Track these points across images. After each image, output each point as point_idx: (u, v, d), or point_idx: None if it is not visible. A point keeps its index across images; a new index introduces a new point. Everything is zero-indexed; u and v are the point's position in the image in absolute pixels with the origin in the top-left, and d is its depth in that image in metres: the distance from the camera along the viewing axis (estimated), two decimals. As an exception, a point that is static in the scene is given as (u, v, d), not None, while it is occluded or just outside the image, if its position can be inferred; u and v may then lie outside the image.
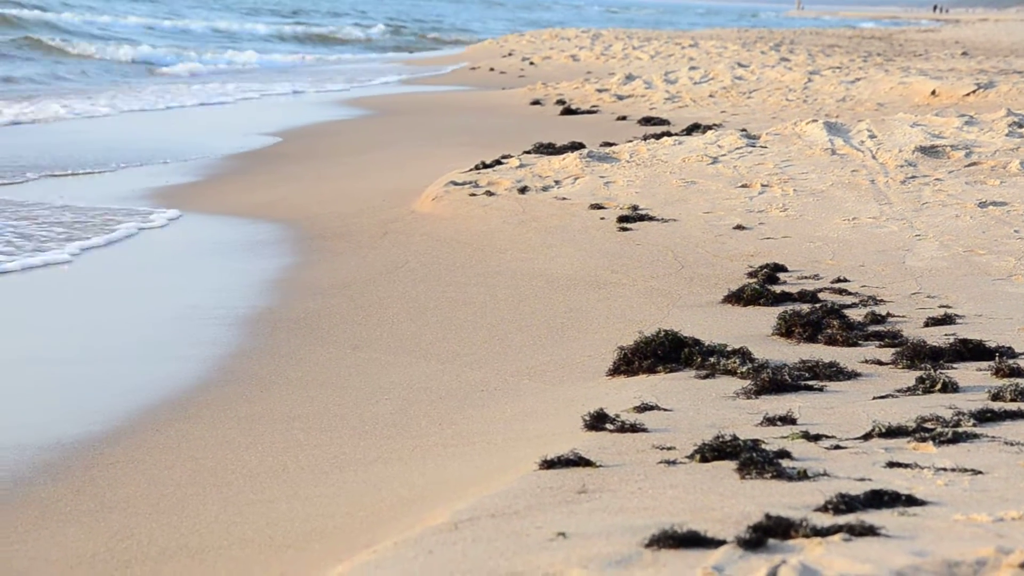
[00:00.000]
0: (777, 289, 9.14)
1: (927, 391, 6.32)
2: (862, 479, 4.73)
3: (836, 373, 6.78)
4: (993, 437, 5.35)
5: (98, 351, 8.36)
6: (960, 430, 5.39)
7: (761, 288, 9.04)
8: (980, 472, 4.82)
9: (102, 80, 31.77)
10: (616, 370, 7.18)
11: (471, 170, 13.84)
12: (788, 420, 5.75)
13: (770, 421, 5.76)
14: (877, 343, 7.65)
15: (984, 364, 6.93)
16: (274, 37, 58.03)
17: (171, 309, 9.38)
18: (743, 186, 12.93)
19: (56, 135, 20.20)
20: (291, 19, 71.99)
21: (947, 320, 8.19)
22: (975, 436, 5.35)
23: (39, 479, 6.06)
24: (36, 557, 5.19)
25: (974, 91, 23.83)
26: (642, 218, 11.65)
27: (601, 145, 15.78)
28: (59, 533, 5.39)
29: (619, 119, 22.34)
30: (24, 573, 5.05)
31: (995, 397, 6.07)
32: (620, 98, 25.71)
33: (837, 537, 3.96)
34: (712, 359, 6.97)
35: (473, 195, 12.72)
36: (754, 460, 4.89)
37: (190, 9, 70.90)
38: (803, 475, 4.79)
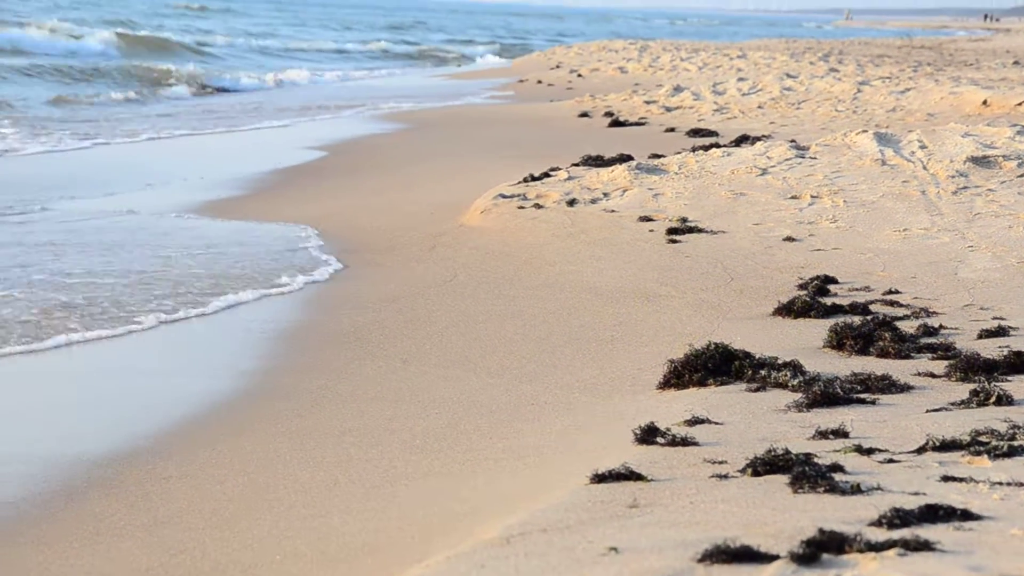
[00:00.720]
0: (828, 301, 9.10)
1: (981, 404, 6.27)
2: (916, 493, 4.69)
3: (888, 386, 6.74)
4: (1049, 450, 5.30)
5: (147, 365, 8.40)
6: (1015, 443, 5.35)
7: (812, 300, 9.00)
8: (1036, 486, 4.77)
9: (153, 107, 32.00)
10: (666, 383, 7.16)
11: (519, 183, 13.85)
12: (840, 433, 5.72)
13: (822, 435, 5.73)
14: (930, 355, 7.60)
15: (1039, 376, 6.87)
16: (315, 51, 58.25)
17: (221, 322, 9.42)
18: (793, 197, 12.88)
19: (80, 161, 20.40)
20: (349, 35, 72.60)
21: (1001, 332, 8.13)
22: (1030, 449, 5.31)
23: (93, 493, 6.10)
24: (91, 572, 5.23)
25: (1026, 100, 23.63)
26: (691, 230, 11.62)
27: (649, 157, 15.76)
28: (114, 548, 5.43)
29: (667, 131, 22.30)
30: (79, 587, 5.09)
31: (1050, 410, 6.02)
32: (668, 110, 25.67)
33: (892, 552, 3.93)
34: (763, 372, 6.95)
35: (522, 208, 12.73)
36: (807, 474, 4.86)
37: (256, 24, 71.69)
38: (856, 489, 4.76)
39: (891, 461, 5.24)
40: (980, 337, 8.04)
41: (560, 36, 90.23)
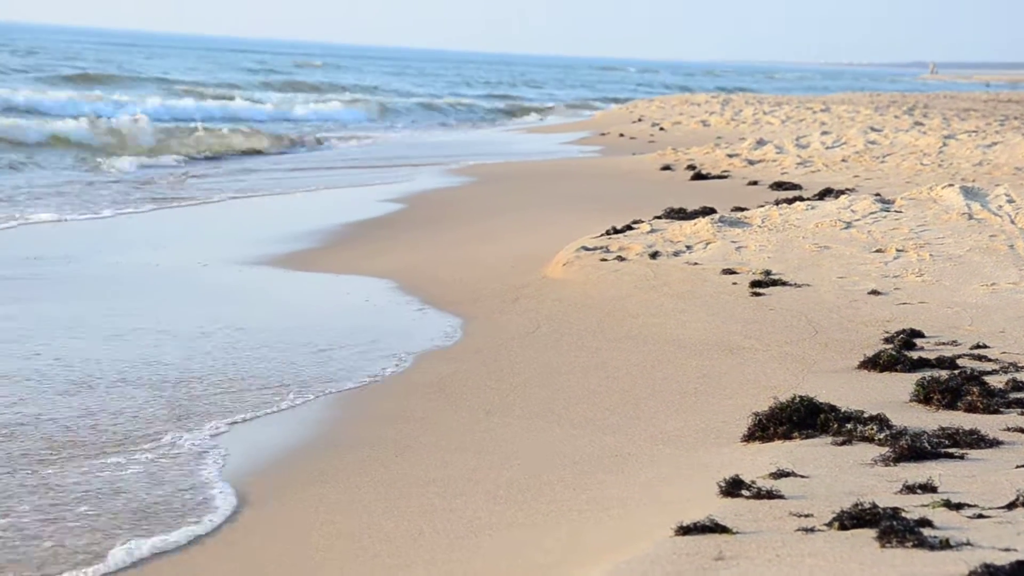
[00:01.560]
0: (914, 355, 9.02)
1: (1072, 460, 6.18)
2: (1007, 549, 4.63)
3: (977, 441, 6.66)
4: None
5: (233, 411, 8.49)
6: (1108, 500, 5.27)
7: (898, 354, 8.92)
8: None
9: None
10: (751, 436, 7.13)
11: (602, 235, 13.88)
12: (928, 488, 5.66)
13: (910, 489, 5.67)
14: (1019, 411, 7.50)
15: None
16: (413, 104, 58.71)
17: (310, 370, 9.50)
18: (878, 251, 12.80)
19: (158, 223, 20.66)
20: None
21: (1091, 387, 8.01)
22: (1124, 506, 5.22)
23: (185, 543, 6.16)
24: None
25: (1115, 153, 23.33)
26: (775, 283, 11.58)
27: (732, 210, 15.74)
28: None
29: (750, 184, 22.25)
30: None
31: None
32: (751, 163, 25.62)
33: (982, 608, 3.88)
34: (849, 425, 6.90)
35: (604, 260, 12.75)
36: (895, 528, 4.82)
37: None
38: (945, 544, 4.71)
39: (981, 516, 5.17)
40: (1070, 392, 7.92)
41: (657, 89, 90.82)
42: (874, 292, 11.19)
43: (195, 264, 14.32)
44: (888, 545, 4.74)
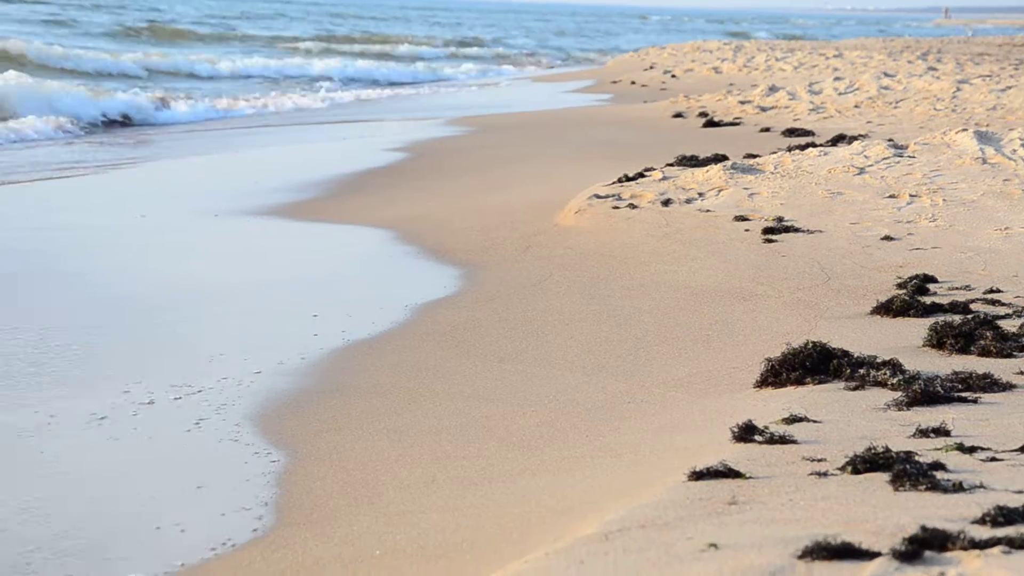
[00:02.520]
0: (927, 300, 9.00)
1: (1086, 403, 6.17)
2: (1020, 491, 4.64)
3: (990, 385, 6.65)
4: None
5: (246, 368, 8.49)
6: (1122, 442, 5.26)
7: (911, 299, 8.90)
8: None
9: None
10: (763, 382, 7.13)
11: (614, 183, 13.84)
12: (942, 432, 5.66)
13: (923, 433, 5.67)
14: (1033, 354, 7.48)
15: None
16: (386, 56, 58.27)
17: (318, 324, 9.51)
18: (891, 196, 12.75)
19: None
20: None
21: (1105, 331, 7.98)
22: None
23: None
24: (199, 568, 5.31)
25: None
26: (787, 229, 11.55)
27: (744, 157, 15.68)
28: (216, 542, 5.52)
29: (762, 131, 22.16)
30: (183, 580, 5.18)
31: None
32: (763, 110, 25.51)
33: (996, 550, 3.89)
34: (862, 370, 6.89)
35: (616, 208, 12.72)
36: (908, 472, 4.82)
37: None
38: (959, 487, 4.71)
39: (994, 459, 5.18)
40: (1084, 336, 7.90)
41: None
42: (887, 238, 11.15)
43: (196, 214, 14.31)
44: (901, 488, 4.75)
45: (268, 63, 46.01)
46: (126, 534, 5.71)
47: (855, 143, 16.34)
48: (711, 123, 23.55)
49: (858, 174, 13.83)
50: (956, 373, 6.75)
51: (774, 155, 15.53)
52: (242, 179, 17.56)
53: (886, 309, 8.84)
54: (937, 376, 6.72)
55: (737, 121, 23.92)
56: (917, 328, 8.22)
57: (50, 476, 6.42)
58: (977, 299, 9.09)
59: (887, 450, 5.11)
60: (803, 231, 11.52)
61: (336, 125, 27.29)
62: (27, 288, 10.51)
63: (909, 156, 14.86)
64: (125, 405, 7.51)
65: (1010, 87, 27.31)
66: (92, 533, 5.72)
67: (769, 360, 7.18)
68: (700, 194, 13.17)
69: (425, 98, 36.07)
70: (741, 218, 12.08)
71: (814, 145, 17.15)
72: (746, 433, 5.77)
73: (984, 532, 4.11)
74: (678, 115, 25.48)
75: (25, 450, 6.78)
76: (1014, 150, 14.65)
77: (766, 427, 5.83)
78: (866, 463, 5.05)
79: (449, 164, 18.70)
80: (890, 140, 16.35)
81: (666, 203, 12.79)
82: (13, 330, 9.09)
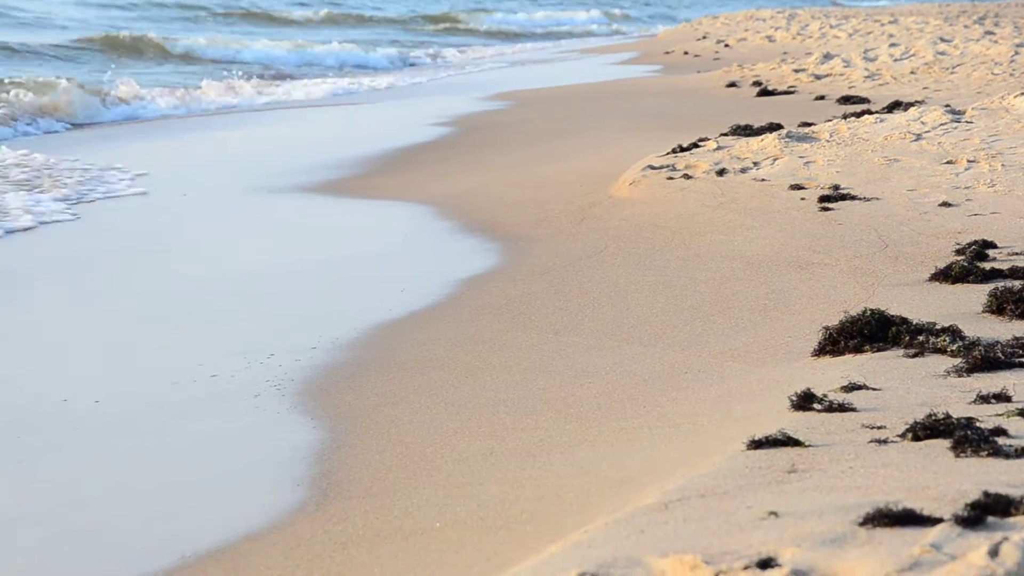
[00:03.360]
0: (986, 266, 8.91)
1: None
2: (1084, 456, 4.60)
3: (1052, 350, 6.58)
4: None
5: (302, 343, 8.54)
6: None
7: (970, 265, 8.82)
8: None
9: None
10: (821, 350, 7.09)
11: (668, 154, 13.79)
12: (1003, 397, 5.62)
13: (983, 399, 5.63)
14: (1094, 319, 7.40)
15: None
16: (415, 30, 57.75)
17: (373, 298, 9.54)
18: (948, 162, 12.63)
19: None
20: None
21: None
22: None
23: (256, 463, 6.25)
24: (259, 539, 5.36)
25: None
26: (843, 197, 11.47)
27: (799, 125, 15.58)
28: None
29: (817, 99, 22.00)
30: (247, 554, 5.22)
31: None
32: (818, 78, 25.33)
33: (1060, 515, 3.86)
34: (921, 337, 6.84)
35: (671, 179, 12.67)
36: (969, 438, 4.79)
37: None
38: (1021, 453, 4.68)
39: (1056, 425, 5.13)
40: None
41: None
42: (945, 204, 11.05)
43: (236, 190, 14.39)
44: (962, 455, 4.72)
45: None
46: (191, 504, 5.77)
47: (911, 109, 16.19)
48: (765, 92, 23.40)
49: (915, 140, 13.71)
50: (1017, 339, 6.69)
51: (829, 123, 15.42)
52: (288, 156, 17.63)
53: (945, 275, 8.77)
54: (998, 342, 6.65)
55: (791, 90, 23.76)
56: (976, 294, 8.15)
57: (111, 459, 6.50)
58: (1037, 264, 8.99)
59: (948, 416, 5.08)
60: (859, 199, 11.44)
61: (381, 104, 27.34)
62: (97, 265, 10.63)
63: (967, 121, 14.71)
64: (186, 381, 7.58)
65: (1069, 50, 26.95)
66: (166, 505, 5.79)
67: (827, 328, 7.14)
68: (755, 163, 13.09)
69: (470, 74, 36.01)
70: (797, 187, 12.01)
71: (870, 112, 17.01)
72: (805, 401, 5.75)
73: (1047, 497, 4.07)
74: (732, 85, 25.33)
75: (84, 432, 6.87)
76: (1073, 113, 14.47)
77: (825, 395, 5.80)
78: (927, 430, 5.03)
79: (499, 138, 18.68)
80: (947, 106, 16.19)
81: (721, 173, 12.73)
82: (93, 300, 9.19)
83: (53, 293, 10.01)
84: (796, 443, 5.11)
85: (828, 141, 13.99)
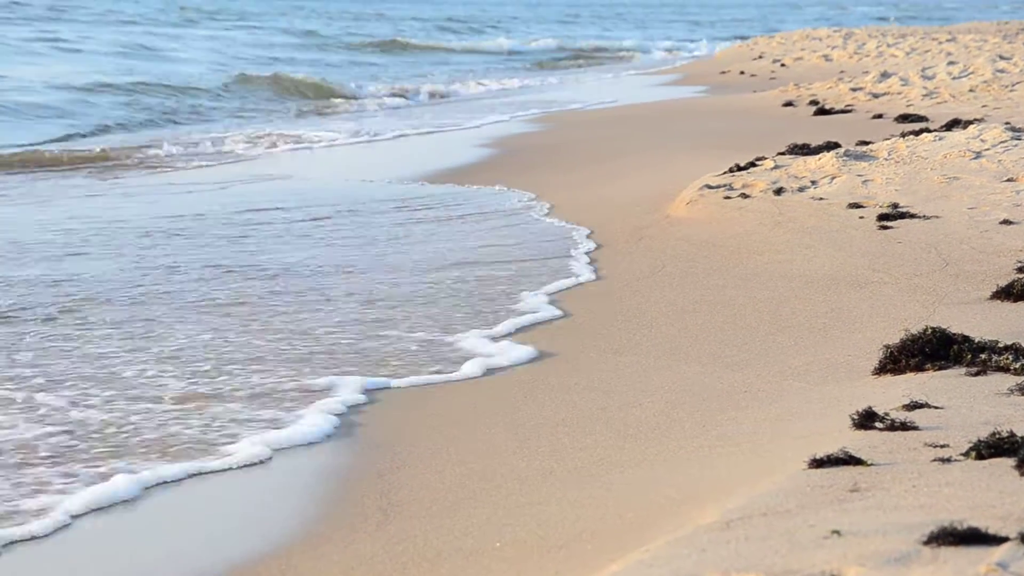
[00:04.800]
0: (1049, 284, 8.83)
1: None
2: None
3: (1116, 368, 6.51)
4: None
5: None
6: None
7: (1032, 283, 8.75)
8: None
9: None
10: (882, 369, 7.05)
11: (725, 173, 13.76)
12: (1067, 416, 5.56)
13: (1048, 417, 5.58)
14: None
15: None
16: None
17: (431, 317, 9.57)
18: (1009, 180, 12.53)
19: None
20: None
21: None
22: None
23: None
24: (321, 557, 5.38)
25: None
26: (903, 216, 11.40)
27: (857, 144, 15.50)
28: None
29: (874, 117, 21.89)
30: (307, 573, 5.24)
31: None
32: (875, 96, 25.19)
33: None
34: (983, 355, 6.79)
35: (728, 198, 12.64)
36: (1034, 456, 4.75)
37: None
38: (1087, 471, 4.63)
39: (1122, 443, 5.07)
40: None
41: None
42: (1006, 222, 10.96)
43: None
44: (1027, 473, 4.67)
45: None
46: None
47: (971, 127, 16.06)
48: (822, 111, 23.30)
49: (974, 158, 13.61)
50: (1080, 356, 6.62)
51: (887, 141, 15.34)
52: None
53: (1007, 293, 8.70)
54: (1061, 360, 6.59)
55: (849, 108, 23.65)
56: (1039, 312, 8.08)
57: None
58: (1101, 282, 8.90)
59: (1012, 434, 5.03)
60: (919, 217, 11.37)
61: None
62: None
63: (1027, 139, 14.58)
64: (246, 402, 7.62)
65: None
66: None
67: (887, 347, 7.10)
68: (813, 182, 13.04)
69: (520, 93, 36.00)
70: (855, 205, 11.95)
71: (928, 130, 16.89)
72: (866, 420, 5.71)
73: (1115, 516, 4.03)
74: (788, 104, 25.25)
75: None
76: None
77: (886, 414, 5.77)
78: (990, 448, 4.99)
79: (541, 160, 18.64)
80: (1007, 123, 16.07)
81: (778, 192, 12.69)
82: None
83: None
84: (858, 462, 5.08)
85: (886, 160, 13.91)
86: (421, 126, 25.10)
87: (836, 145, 15.47)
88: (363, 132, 24.33)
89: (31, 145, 21.90)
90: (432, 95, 35.01)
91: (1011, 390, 6.21)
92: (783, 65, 40.05)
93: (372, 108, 31.17)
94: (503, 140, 21.62)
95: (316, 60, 45.62)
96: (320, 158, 20.87)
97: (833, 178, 13.14)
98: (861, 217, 11.55)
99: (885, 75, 28.47)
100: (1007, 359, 6.69)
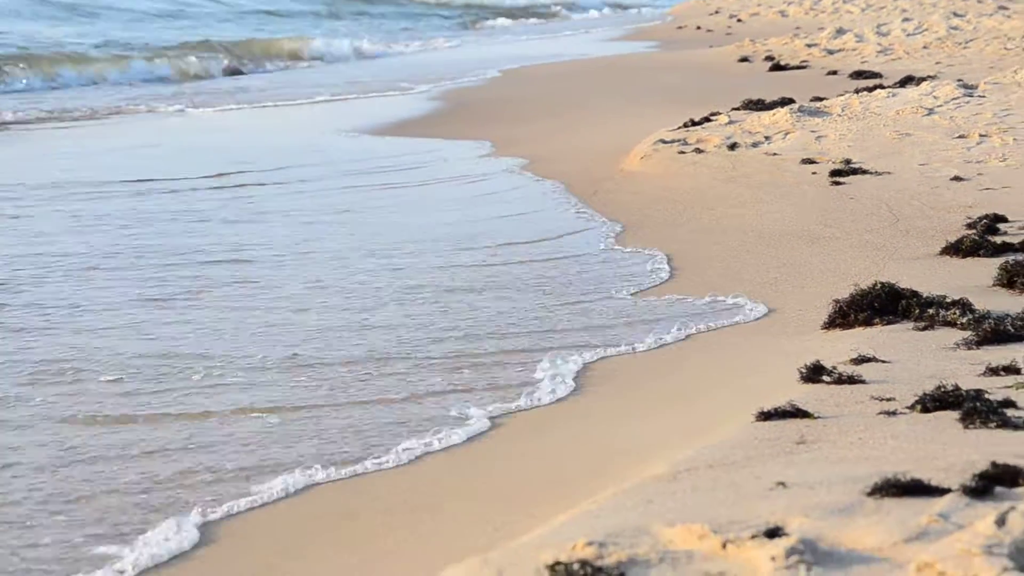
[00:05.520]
0: (997, 240, 8.90)
1: None
2: (1092, 428, 4.60)
3: (1062, 323, 6.58)
4: None
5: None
6: None
7: (980, 239, 8.81)
8: None
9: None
10: (831, 323, 7.10)
11: (680, 128, 13.77)
12: (1012, 370, 5.63)
13: (993, 371, 5.64)
14: (1105, 293, 7.40)
15: None
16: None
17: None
18: (960, 137, 12.61)
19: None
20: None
21: None
22: None
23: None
24: (390, 552, 5.38)
25: None
26: (855, 171, 11.45)
27: (811, 100, 15.55)
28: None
29: (829, 74, 21.96)
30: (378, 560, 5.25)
31: None
32: (830, 52, 25.26)
33: (1067, 485, 3.87)
34: (931, 311, 6.84)
35: (682, 153, 12.66)
36: (978, 409, 4.80)
37: None
38: (1029, 424, 4.69)
39: (1065, 397, 5.14)
40: None
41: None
42: (956, 178, 11.04)
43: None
44: (971, 426, 4.73)
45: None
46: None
47: (924, 84, 16.14)
48: (777, 67, 23.36)
49: (927, 115, 13.68)
50: (1027, 312, 6.69)
51: (841, 97, 15.39)
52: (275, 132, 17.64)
53: (955, 249, 8.76)
54: (1007, 315, 6.65)
55: (804, 64, 23.72)
56: (987, 268, 8.15)
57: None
58: (1049, 238, 8.98)
59: (957, 388, 5.09)
60: (871, 173, 11.42)
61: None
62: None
63: (979, 96, 14.67)
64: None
65: (1083, 25, 26.86)
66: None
67: (837, 301, 7.15)
68: (767, 137, 13.08)
69: (466, 49, 35.69)
70: (808, 161, 12.00)
71: (882, 87, 16.97)
72: (814, 374, 5.76)
73: (1055, 468, 4.08)
74: (744, 59, 25.29)
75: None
76: (1087, 88, 14.43)
77: (834, 367, 5.81)
78: (936, 401, 5.04)
79: (492, 114, 18.59)
80: (960, 80, 16.15)
81: (732, 147, 12.72)
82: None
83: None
84: (805, 415, 5.12)
85: (840, 116, 13.96)
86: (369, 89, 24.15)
87: (790, 101, 15.52)
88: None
89: None
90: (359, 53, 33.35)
91: (957, 344, 6.27)
92: (739, 20, 40.10)
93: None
94: (451, 93, 21.53)
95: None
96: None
97: (787, 134, 13.19)
98: (814, 173, 11.60)
99: (840, 31, 28.54)
100: (954, 314, 6.74)
